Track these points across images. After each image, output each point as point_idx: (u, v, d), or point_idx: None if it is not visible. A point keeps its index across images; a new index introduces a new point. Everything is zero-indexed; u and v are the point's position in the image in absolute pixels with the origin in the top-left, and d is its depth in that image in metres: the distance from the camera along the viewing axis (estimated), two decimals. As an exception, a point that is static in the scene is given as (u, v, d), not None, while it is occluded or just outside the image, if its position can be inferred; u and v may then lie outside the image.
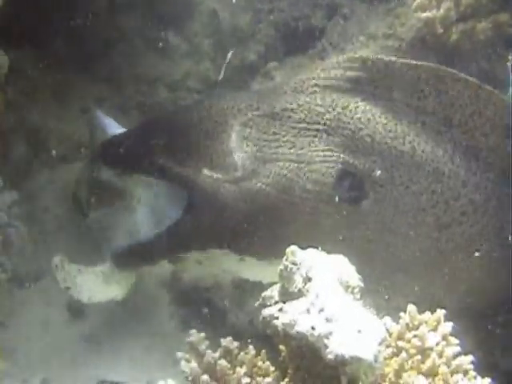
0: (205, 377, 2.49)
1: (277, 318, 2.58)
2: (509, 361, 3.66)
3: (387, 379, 2.54)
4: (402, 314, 2.76)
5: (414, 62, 3.57)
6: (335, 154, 3.50)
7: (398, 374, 2.54)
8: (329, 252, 2.89)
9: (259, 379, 2.54)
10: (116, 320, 3.98)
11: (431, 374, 2.53)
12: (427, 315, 2.74)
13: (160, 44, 5.18)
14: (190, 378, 2.52)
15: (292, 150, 3.53)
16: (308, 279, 2.69)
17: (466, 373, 2.58)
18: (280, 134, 3.57)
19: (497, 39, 4.19)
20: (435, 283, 3.61)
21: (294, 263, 2.78)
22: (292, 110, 3.60)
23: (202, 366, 2.55)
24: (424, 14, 4.25)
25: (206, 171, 3.53)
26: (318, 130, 3.54)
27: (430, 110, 3.54)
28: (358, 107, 3.56)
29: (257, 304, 2.91)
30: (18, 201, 3.89)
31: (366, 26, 4.65)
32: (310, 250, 2.84)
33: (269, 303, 2.84)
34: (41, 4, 4.53)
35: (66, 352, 3.71)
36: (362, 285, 2.83)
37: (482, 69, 4.28)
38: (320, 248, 2.92)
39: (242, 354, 2.63)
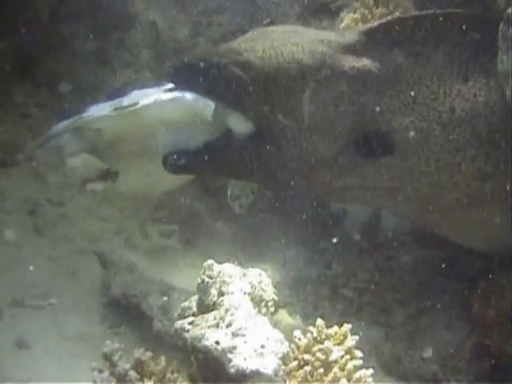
0: (114, 387, 2.59)
1: (187, 331, 2.71)
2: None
3: (291, 390, 2.67)
4: (310, 327, 2.89)
5: (441, 11, 3.70)
6: (376, 112, 3.64)
7: (301, 385, 2.68)
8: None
9: (167, 390, 2.64)
10: (46, 323, 4.04)
11: (333, 385, 2.67)
12: (334, 329, 2.88)
13: (100, 53, 5.24)
14: (100, 388, 2.61)
15: (350, 109, 3.67)
16: (221, 293, 2.81)
17: (365, 384, 2.73)
18: (345, 92, 3.69)
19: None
20: (472, 226, 3.86)
21: (211, 277, 2.90)
22: (358, 69, 3.68)
23: (114, 376, 2.65)
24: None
25: (279, 117, 3.70)
26: (371, 89, 3.67)
27: (470, 61, 3.66)
28: (407, 69, 3.67)
29: (176, 314, 3.04)
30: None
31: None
32: (227, 265, 2.97)
33: (187, 314, 2.97)
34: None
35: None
36: (276, 298, 2.97)
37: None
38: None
39: (152, 364, 2.73)
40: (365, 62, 3.69)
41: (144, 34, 5.35)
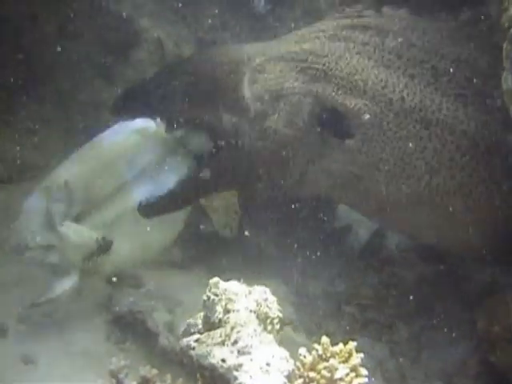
0: (121, 404, 2.60)
1: (193, 349, 2.72)
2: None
3: (297, 408, 2.68)
4: (315, 345, 2.89)
5: (402, 12, 3.96)
6: (329, 93, 3.79)
7: (307, 403, 2.69)
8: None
9: (173, 407, 2.65)
10: (52, 340, 4.05)
11: (338, 404, 2.68)
12: (339, 347, 2.87)
13: (106, 70, 5.27)
14: (106, 405, 2.63)
15: (296, 84, 3.86)
16: (227, 311, 2.82)
17: (371, 403, 2.74)
18: (285, 71, 3.91)
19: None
20: (425, 223, 3.88)
21: (216, 294, 2.92)
22: (296, 52, 3.94)
23: (120, 393, 2.66)
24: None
25: (225, 116, 3.93)
26: (317, 69, 3.85)
27: (418, 61, 3.78)
28: (353, 57, 3.84)
29: (181, 330, 3.05)
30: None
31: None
32: (233, 283, 2.98)
33: (192, 330, 2.98)
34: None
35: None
36: (281, 315, 2.98)
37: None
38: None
39: (158, 382, 2.74)
40: (308, 45, 3.95)
41: (149, 52, 5.39)
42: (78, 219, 4.12)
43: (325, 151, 3.85)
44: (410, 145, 3.69)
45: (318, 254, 4.66)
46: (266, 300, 2.94)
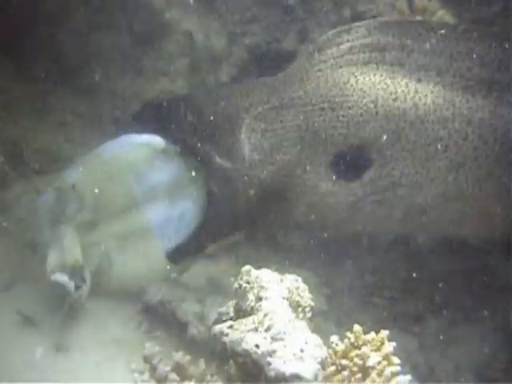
0: (155, 389, 2.62)
1: (226, 335, 2.72)
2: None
3: (329, 395, 2.69)
4: (347, 333, 2.90)
5: (394, 19, 3.99)
6: (339, 131, 3.76)
7: (339, 390, 2.69)
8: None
9: (207, 392, 2.67)
10: (83, 327, 4.08)
11: (370, 391, 2.68)
12: (371, 335, 2.88)
13: (137, 62, 5.30)
14: (141, 390, 2.65)
15: (296, 134, 3.81)
16: (259, 298, 2.83)
17: (403, 391, 2.73)
18: (287, 120, 3.85)
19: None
20: (455, 219, 3.90)
21: (248, 282, 2.92)
22: (299, 97, 3.88)
23: (154, 378, 2.68)
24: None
25: (218, 159, 3.90)
26: (323, 108, 3.79)
27: (421, 64, 3.79)
28: (358, 79, 3.81)
29: (213, 319, 3.06)
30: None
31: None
32: (264, 271, 2.98)
33: (224, 319, 2.99)
34: (21, 18, 4.63)
35: (32, 358, 3.79)
36: (312, 304, 2.98)
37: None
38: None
39: (192, 367, 2.76)
40: (312, 85, 3.88)
41: (179, 43, 5.39)
42: (87, 227, 4.18)
43: (335, 189, 3.85)
44: (431, 149, 3.70)
45: (347, 247, 4.67)
46: (297, 288, 2.94)
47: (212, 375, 2.75)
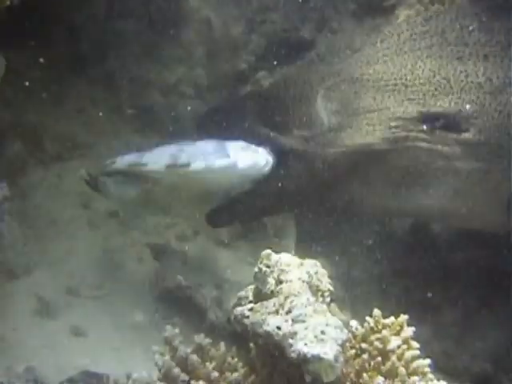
0: (176, 370, 2.62)
1: (247, 317, 2.73)
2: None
3: (349, 378, 2.68)
4: (367, 317, 2.90)
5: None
6: (416, 102, 3.75)
7: (359, 373, 2.69)
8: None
9: (228, 374, 2.66)
10: (101, 312, 4.11)
11: (391, 374, 2.66)
12: (391, 319, 2.87)
13: (154, 49, 5.30)
14: (162, 371, 2.65)
15: (373, 102, 3.83)
16: (280, 282, 2.83)
17: (423, 375, 2.72)
18: (361, 92, 3.88)
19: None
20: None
21: (268, 266, 2.91)
22: (369, 74, 3.91)
23: (175, 359, 2.69)
24: (407, 32, 4.40)
25: (296, 131, 3.92)
26: (396, 84, 3.81)
27: (484, 41, 3.78)
28: (425, 62, 3.82)
29: (232, 304, 3.06)
30: (10, 197, 3.98)
31: (352, 41, 4.76)
32: (284, 255, 2.98)
33: (243, 303, 2.99)
34: (39, 5, 4.64)
35: (50, 342, 3.82)
36: (332, 289, 2.97)
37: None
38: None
39: (213, 350, 2.76)
40: (379, 66, 3.90)
41: (198, 31, 5.39)
42: None
43: (438, 149, 3.80)
44: (495, 137, 3.66)
45: (363, 235, 4.67)
46: (316, 273, 2.93)
47: (233, 358, 2.76)
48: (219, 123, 4.17)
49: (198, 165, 3.81)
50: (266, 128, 4.06)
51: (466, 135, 3.70)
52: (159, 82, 5.32)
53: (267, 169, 3.93)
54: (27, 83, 4.64)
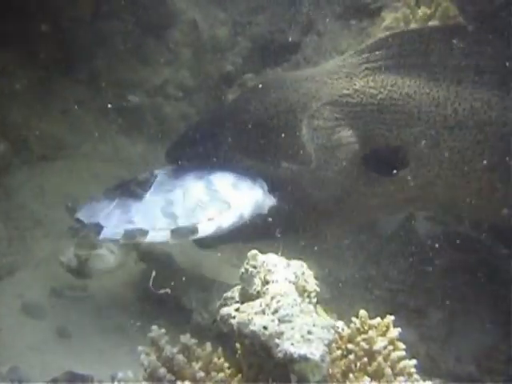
0: (162, 370, 2.61)
1: (233, 318, 2.73)
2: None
3: (335, 379, 2.68)
4: (353, 318, 2.90)
5: (430, 26, 4.13)
6: (383, 133, 3.81)
7: (346, 374, 2.69)
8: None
9: (214, 374, 2.65)
10: (86, 315, 4.09)
11: (377, 375, 2.67)
12: (377, 320, 2.88)
13: (141, 51, 5.29)
14: (148, 371, 2.63)
15: (350, 133, 3.84)
16: (266, 282, 2.83)
17: (409, 375, 2.73)
18: (341, 119, 3.86)
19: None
20: (485, 212, 4.09)
21: (255, 267, 2.91)
22: (349, 95, 3.88)
23: (161, 359, 2.67)
24: (391, 34, 4.43)
25: (284, 164, 3.88)
26: (372, 110, 3.84)
27: (463, 65, 3.84)
28: (404, 82, 3.85)
29: (218, 304, 3.05)
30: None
31: (338, 43, 4.79)
32: (271, 255, 2.98)
33: (229, 303, 2.98)
34: (26, 7, 4.63)
35: (35, 342, 3.79)
36: (318, 289, 2.97)
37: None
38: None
39: (198, 350, 2.75)
40: (361, 84, 3.89)
41: (184, 33, 5.40)
42: None
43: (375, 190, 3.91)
44: (469, 152, 3.78)
45: (348, 239, 4.68)
46: (303, 274, 2.94)
47: (219, 358, 2.75)
48: (193, 152, 4.04)
49: (205, 229, 3.69)
50: (248, 157, 4.01)
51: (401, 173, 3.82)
52: (145, 83, 5.30)
53: (268, 204, 3.90)
54: (13, 83, 4.61)
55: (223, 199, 3.77)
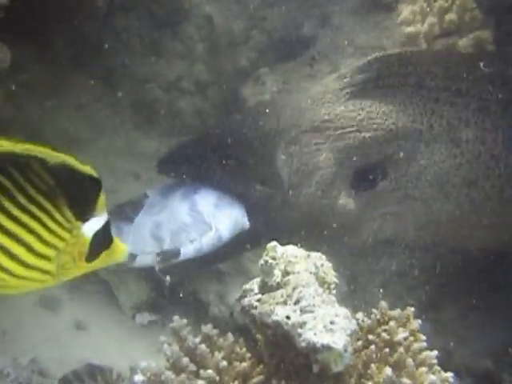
0: (185, 359, 2.61)
1: (255, 308, 2.73)
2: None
3: (356, 369, 2.68)
4: (373, 309, 2.90)
5: (411, 49, 4.03)
6: (362, 154, 3.90)
7: (367, 365, 2.69)
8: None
9: (236, 364, 2.66)
10: (103, 306, 4.10)
11: (398, 366, 2.67)
12: (397, 312, 2.88)
13: (155, 45, 5.29)
14: (171, 361, 2.64)
15: (330, 155, 3.90)
16: (286, 273, 2.83)
17: (430, 366, 2.73)
18: (320, 143, 3.93)
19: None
20: (468, 233, 4.07)
21: (274, 258, 2.91)
22: (330, 120, 3.96)
23: (183, 349, 2.68)
24: (408, 29, 4.42)
25: (258, 187, 3.97)
26: (351, 131, 3.91)
27: (441, 86, 3.94)
28: (381, 102, 3.94)
29: (237, 297, 3.05)
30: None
31: (354, 38, 4.78)
32: (290, 247, 2.98)
33: (249, 295, 2.98)
34: (42, 2, 4.62)
35: (53, 335, 3.81)
36: (337, 281, 2.98)
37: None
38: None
39: (221, 340, 2.76)
40: (341, 108, 3.98)
41: (199, 27, 5.38)
42: None
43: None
44: (445, 166, 3.88)
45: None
46: (322, 265, 2.94)
47: (241, 348, 2.75)
48: (181, 166, 4.16)
49: (187, 252, 3.76)
50: (229, 177, 4.09)
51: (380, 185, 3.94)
52: (160, 78, 5.30)
53: (246, 224, 3.96)
54: (28, 78, 4.62)
55: (205, 221, 3.82)
